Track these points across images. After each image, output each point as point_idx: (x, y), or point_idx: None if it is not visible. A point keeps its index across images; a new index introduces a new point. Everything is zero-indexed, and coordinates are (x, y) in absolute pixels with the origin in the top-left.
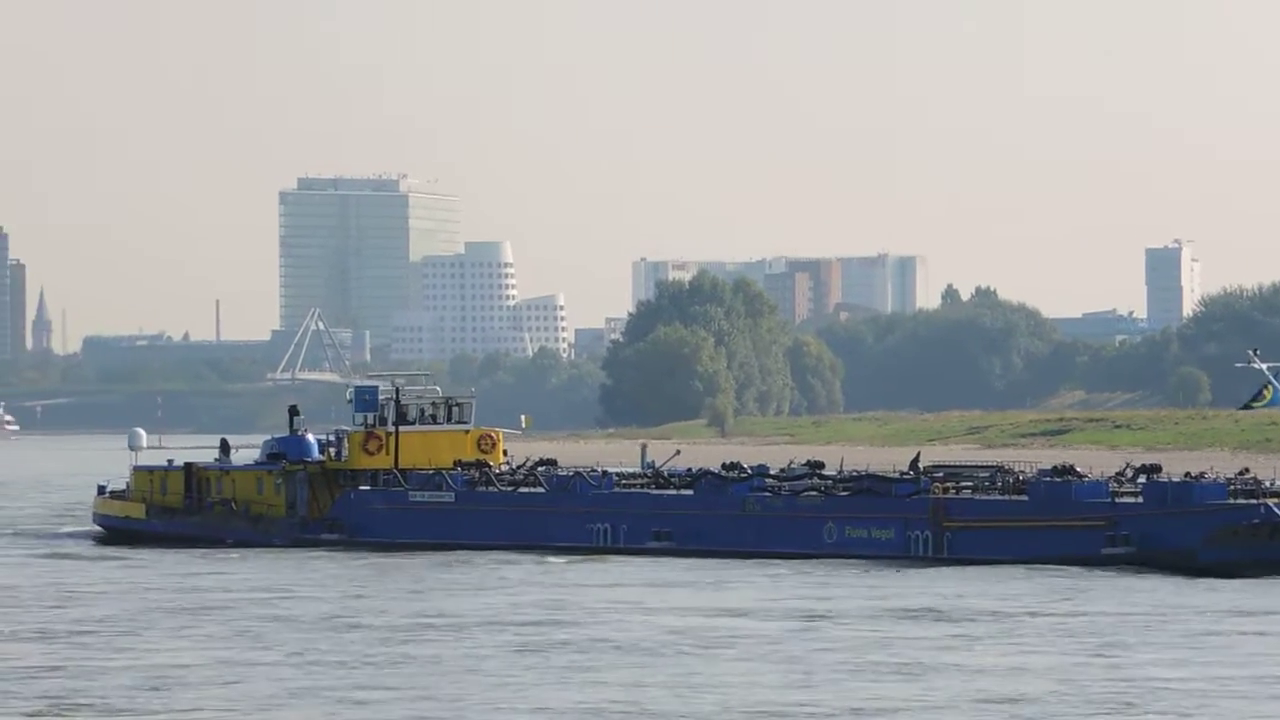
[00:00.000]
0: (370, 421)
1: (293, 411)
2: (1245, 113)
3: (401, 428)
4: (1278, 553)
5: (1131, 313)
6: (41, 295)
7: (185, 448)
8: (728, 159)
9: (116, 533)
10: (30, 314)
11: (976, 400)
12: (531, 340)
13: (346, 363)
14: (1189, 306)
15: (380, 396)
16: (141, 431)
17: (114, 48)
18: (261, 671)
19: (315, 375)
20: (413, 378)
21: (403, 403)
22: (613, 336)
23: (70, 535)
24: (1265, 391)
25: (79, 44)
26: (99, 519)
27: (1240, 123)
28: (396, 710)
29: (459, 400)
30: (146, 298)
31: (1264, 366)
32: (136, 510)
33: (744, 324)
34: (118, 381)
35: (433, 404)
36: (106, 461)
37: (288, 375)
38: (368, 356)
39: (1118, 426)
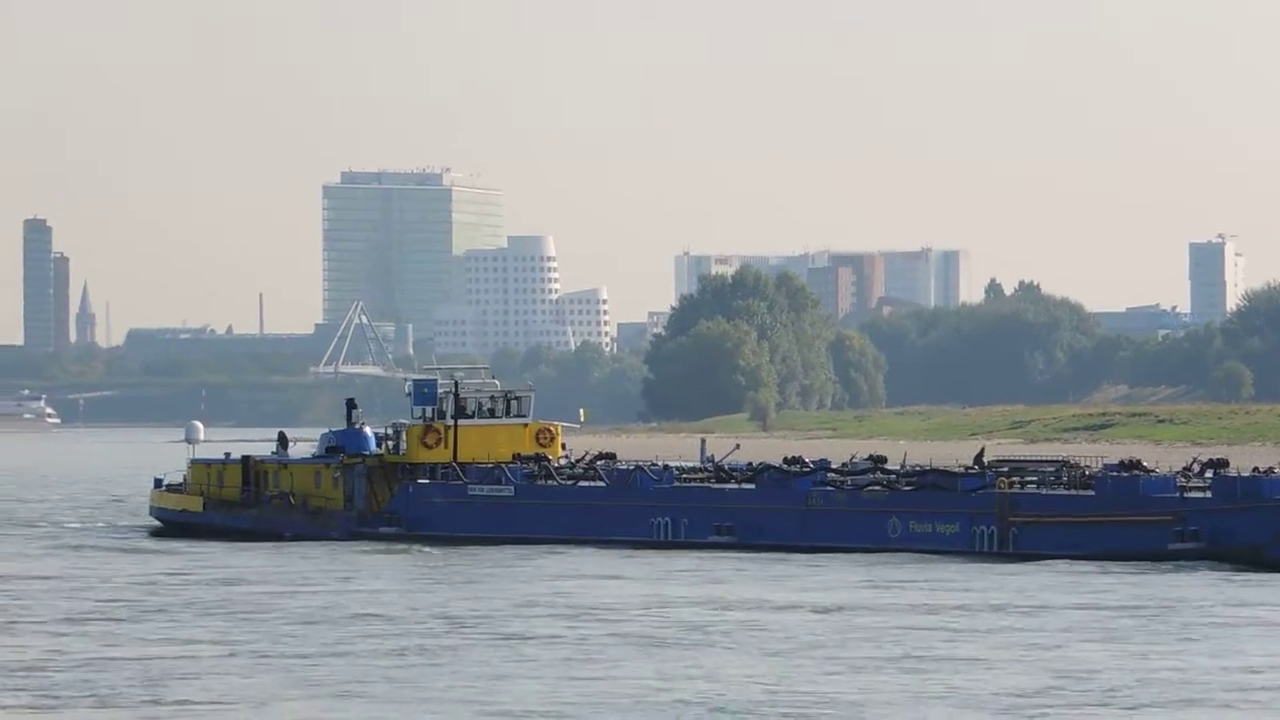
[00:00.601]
0: (429, 415)
1: (350, 405)
2: None
3: (460, 421)
4: None
5: (1175, 307)
6: (85, 288)
7: (239, 440)
8: (771, 153)
9: (173, 526)
10: (74, 307)
11: (1019, 395)
12: (574, 334)
13: (389, 356)
14: (1232, 301)
15: (439, 390)
16: (199, 424)
17: (157, 41)
18: (255, 665)
19: (358, 369)
20: (471, 371)
21: (461, 396)
22: (655, 330)
23: (127, 528)
24: None
25: (122, 38)
26: (155, 512)
27: None
28: (376, 706)
29: (518, 394)
30: (190, 291)
31: None
32: (194, 503)
33: (787, 318)
34: (161, 374)
35: (491, 397)
36: (150, 454)
37: (331, 369)
38: (410, 350)
39: (1161, 421)
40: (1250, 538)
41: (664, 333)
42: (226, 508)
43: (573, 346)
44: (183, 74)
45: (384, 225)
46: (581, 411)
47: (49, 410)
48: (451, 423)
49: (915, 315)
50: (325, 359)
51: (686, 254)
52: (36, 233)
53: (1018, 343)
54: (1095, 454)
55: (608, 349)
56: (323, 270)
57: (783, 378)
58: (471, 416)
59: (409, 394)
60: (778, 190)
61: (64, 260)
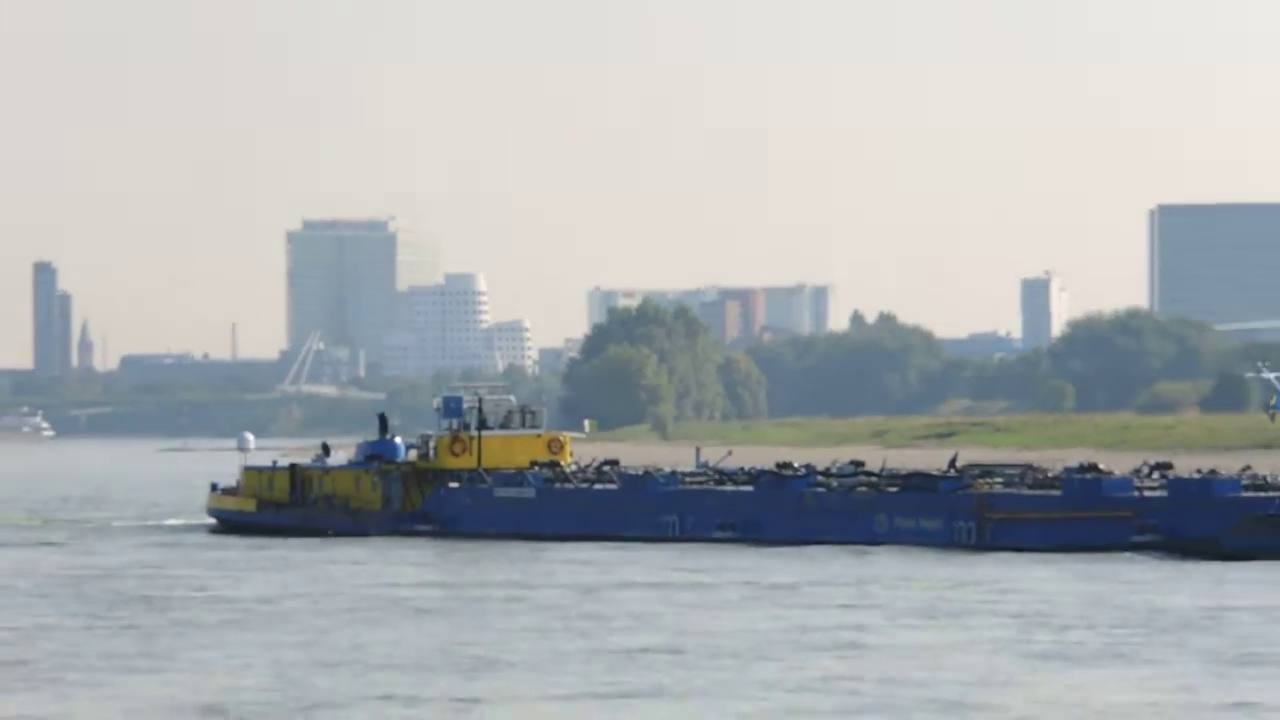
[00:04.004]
0: (455, 426)
1: (383, 419)
2: (1104, 157)
3: (483, 432)
4: None
5: (1009, 333)
6: (85, 321)
7: (271, 450)
8: (668, 201)
9: (229, 525)
10: (76, 336)
11: (879, 408)
12: (501, 358)
13: (343, 377)
14: (1057, 329)
15: (464, 405)
16: (250, 435)
17: (146, 106)
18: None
19: (317, 388)
20: (492, 389)
21: (484, 410)
22: (571, 355)
23: (185, 527)
24: (1275, 400)
25: (114, 102)
26: (213, 512)
27: (1101, 166)
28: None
29: (532, 408)
30: (174, 322)
31: (1272, 376)
32: (248, 505)
33: (683, 344)
34: (149, 393)
35: (509, 412)
36: (147, 463)
37: (294, 387)
38: (361, 372)
39: (998, 430)
40: (1205, 531)
41: (579, 357)
42: (277, 508)
43: (500, 369)
44: (165, 140)
45: (338, 266)
46: (586, 423)
47: (44, 425)
48: (476, 433)
49: (791, 342)
50: (289, 379)
51: (597, 289)
52: (44, 274)
53: (877, 364)
54: (1050, 460)
55: (530, 371)
56: (286, 304)
57: (679, 394)
58: (493, 428)
59: (438, 409)
60: (675, 232)
61: (67, 297)
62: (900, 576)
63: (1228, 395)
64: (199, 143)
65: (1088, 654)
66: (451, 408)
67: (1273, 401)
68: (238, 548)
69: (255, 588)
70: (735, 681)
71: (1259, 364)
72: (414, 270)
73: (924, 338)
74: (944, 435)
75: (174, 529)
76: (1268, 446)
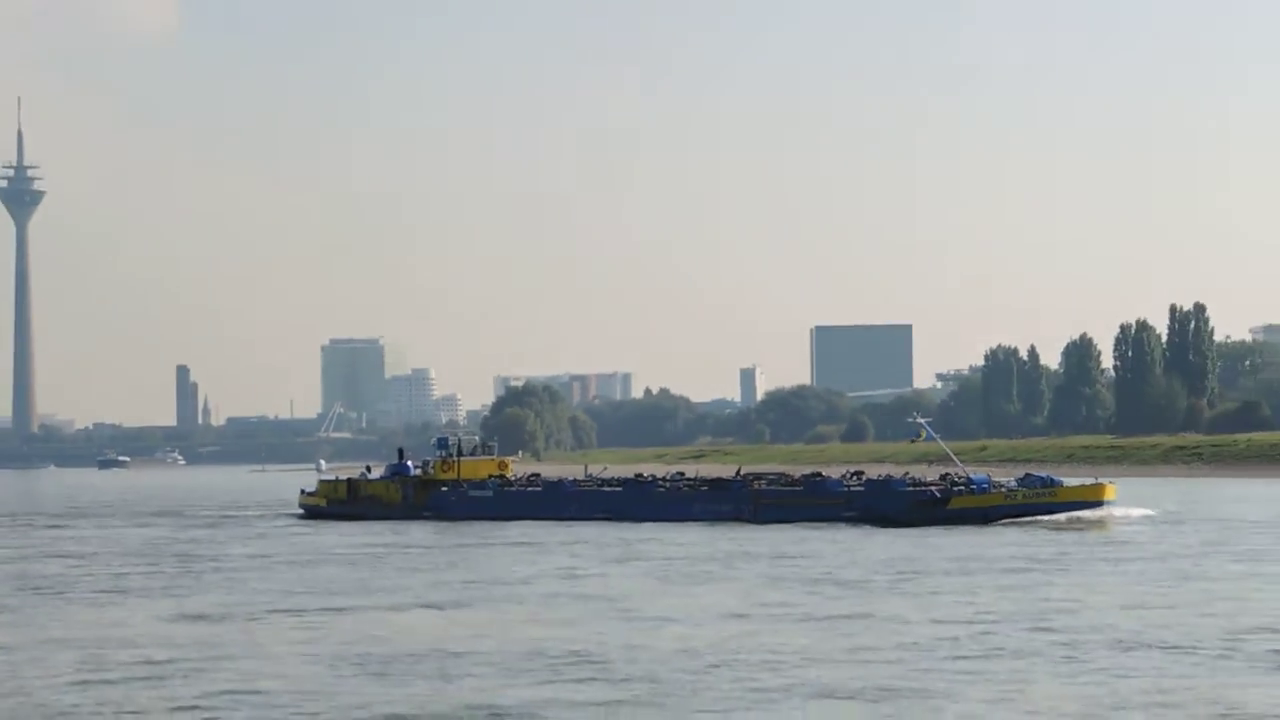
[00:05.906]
0: (445, 455)
1: (400, 452)
2: (780, 291)
3: (461, 458)
4: (939, 516)
5: (733, 398)
6: (206, 396)
7: (337, 468)
8: (537, 316)
9: (310, 514)
10: (200, 405)
11: (660, 442)
12: (444, 416)
13: (353, 429)
14: (760, 395)
15: (449, 442)
16: (324, 462)
17: (237, 259)
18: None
19: (339, 434)
20: (466, 432)
21: (461, 445)
22: (485, 414)
23: (284, 514)
24: (921, 434)
25: (217, 260)
26: (302, 505)
27: (779, 298)
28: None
29: (489, 444)
30: (258, 396)
31: (922, 421)
32: (322, 501)
33: (549, 407)
34: (243, 438)
35: (475, 445)
36: (239, 480)
37: (326, 435)
38: (364, 425)
39: (727, 454)
40: (888, 510)
41: (490, 414)
42: (339, 503)
43: (444, 422)
44: (251, 283)
45: (350, 366)
46: (520, 453)
47: (180, 458)
48: (457, 459)
49: (610, 404)
50: (323, 429)
51: (499, 375)
52: (183, 372)
53: (659, 417)
54: (778, 470)
55: (462, 423)
56: (321, 386)
57: (546, 436)
58: (466, 455)
59: (434, 443)
60: (543, 339)
61: (196, 383)
62: (664, 539)
63: (856, 433)
64: (271, 285)
65: (701, 579)
66: (442, 444)
67: (922, 436)
68: (308, 524)
69: (299, 547)
70: (499, 598)
71: (914, 413)
72: (393, 366)
73: (685, 401)
74: (698, 457)
75: (277, 515)
76: (879, 461)
